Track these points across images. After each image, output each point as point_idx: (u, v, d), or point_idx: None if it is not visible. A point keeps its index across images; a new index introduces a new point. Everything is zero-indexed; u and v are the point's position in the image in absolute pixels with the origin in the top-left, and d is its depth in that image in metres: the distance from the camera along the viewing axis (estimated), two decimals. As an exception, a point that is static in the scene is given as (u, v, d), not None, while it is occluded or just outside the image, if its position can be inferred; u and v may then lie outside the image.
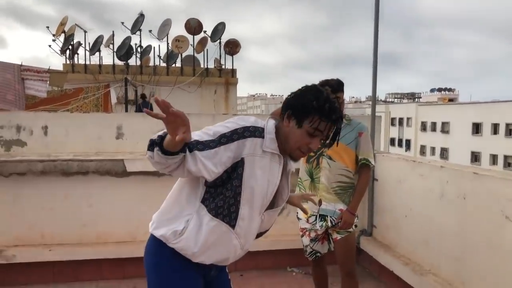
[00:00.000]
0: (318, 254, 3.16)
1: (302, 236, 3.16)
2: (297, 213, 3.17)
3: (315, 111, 1.74)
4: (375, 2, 4.15)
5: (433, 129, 45.52)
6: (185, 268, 1.83)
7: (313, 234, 3.08)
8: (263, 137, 1.76)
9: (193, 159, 1.63)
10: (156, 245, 1.87)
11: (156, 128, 4.95)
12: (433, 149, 45.46)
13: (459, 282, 3.14)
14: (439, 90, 70.41)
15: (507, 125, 36.43)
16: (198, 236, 1.76)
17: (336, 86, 2.91)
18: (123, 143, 4.66)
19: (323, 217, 2.99)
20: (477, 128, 39.54)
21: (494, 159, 37.64)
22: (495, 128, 37.64)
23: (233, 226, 1.79)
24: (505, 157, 36.62)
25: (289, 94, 1.87)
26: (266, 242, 4.38)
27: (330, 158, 2.96)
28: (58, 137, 4.51)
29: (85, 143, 4.55)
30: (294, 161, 1.89)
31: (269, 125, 1.81)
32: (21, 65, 8.37)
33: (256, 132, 1.75)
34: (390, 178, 4.15)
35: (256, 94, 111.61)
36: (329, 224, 2.98)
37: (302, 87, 1.85)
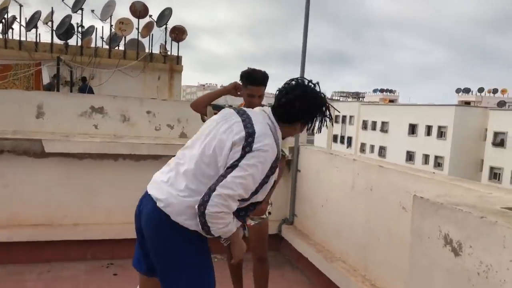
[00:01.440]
0: None
1: None
2: None
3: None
4: (306, 2, 4.25)
5: (373, 128, 47.42)
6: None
7: None
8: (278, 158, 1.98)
9: None
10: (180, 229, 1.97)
11: (81, 109, 4.80)
12: (372, 147, 47.41)
13: (363, 268, 3.34)
14: (381, 91, 73.37)
15: (439, 127, 38.76)
16: None
17: (261, 79, 2.95)
18: (43, 122, 4.48)
19: None
20: (413, 129, 41.71)
21: (426, 158, 39.92)
22: (428, 130, 39.90)
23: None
24: (436, 157, 38.99)
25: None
26: (190, 229, 4.42)
27: None
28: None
29: (2, 121, 4.34)
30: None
31: (278, 132, 2.03)
32: None
33: (276, 160, 1.95)
34: (310, 169, 4.31)
35: (206, 84, 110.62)
36: None
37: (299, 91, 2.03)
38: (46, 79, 9.88)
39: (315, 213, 4.18)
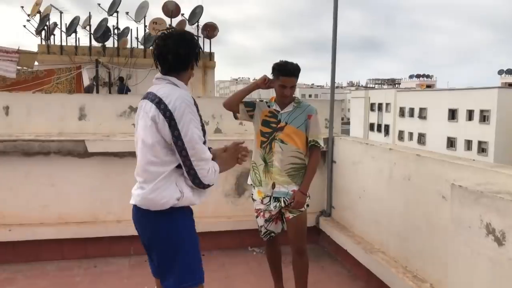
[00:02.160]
0: (272, 234, 3.25)
1: (257, 217, 3.24)
2: (252, 194, 3.27)
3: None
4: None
5: (411, 114, 46.18)
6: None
7: (267, 215, 3.17)
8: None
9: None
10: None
11: (120, 109, 4.95)
12: (411, 134, 46.22)
13: (404, 259, 3.30)
14: (418, 76, 71.31)
15: (481, 111, 37.24)
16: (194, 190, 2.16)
17: (293, 70, 3.00)
18: (85, 124, 4.66)
19: (276, 199, 3.09)
20: (453, 114, 40.29)
21: (469, 144, 38.51)
22: (470, 114, 38.42)
23: None
24: (479, 142, 37.51)
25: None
26: (228, 223, 4.50)
27: (282, 141, 3.04)
28: (20, 117, 4.49)
29: (48, 124, 4.55)
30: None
31: (179, 83, 2.16)
32: (-12, 45, 8.20)
33: (192, 97, 2.14)
34: (346, 160, 4.27)
35: (239, 78, 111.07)
36: (283, 204, 3.07)
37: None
38: (86, 81, 10.23)
39: (352, 205, 4.15)
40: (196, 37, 2.23)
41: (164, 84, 2.15)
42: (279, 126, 3.07)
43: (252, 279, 3.87)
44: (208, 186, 2.12)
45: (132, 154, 2.20)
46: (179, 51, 2.11)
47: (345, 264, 4.15)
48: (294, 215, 3.09)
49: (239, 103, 3.16)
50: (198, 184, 2.07)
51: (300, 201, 3.05)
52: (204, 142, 2.09)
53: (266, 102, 3.19)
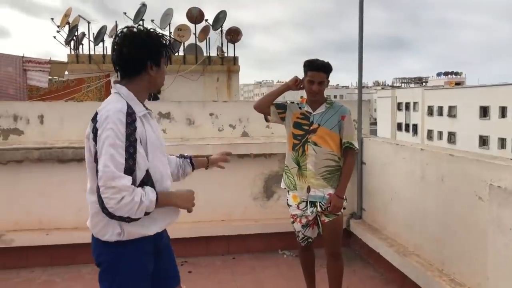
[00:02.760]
0: (310, 239, 3.20)
1: (293, 222, 3.18)
2: (287, 199, 3.20)
3: (163, 46, 1.95)
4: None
5: (440, 113, 45.10)
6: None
7: (304, 220, 3.10)
8: (135, 112, 1.83)
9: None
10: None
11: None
12: (440, 133, 45.14)
13: (440, 262, 3.22)
14: (446, 74, 69.71)
15: (515, 107, 36.00)
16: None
17: (320, 65, 2.95)
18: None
19: (312, 203, 3.03)
20: (484, 112, 39.12)
21: (502, 142, 37.26)
22: (503, 111, 37.19)
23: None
24: (514, 140, 36.25)
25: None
26: (257, 226, 4.51)
27: (315, 144, 2.97)
28: (53, 126, 4.63)
29: (80, 131, 4.64)
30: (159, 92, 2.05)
31: (126, 94, 1.88)
32: (23, 57, 8.50)
33: (132, 111, 1.82)
34: (376, 162, 4.22)
35: (263, 81, 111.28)
36: (319, 209, 3.02)
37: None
38: (114, 89, 10.45)
39: (384, 207, 4.09)
40: (157, 35, 1.93)
41: (112, 93, 1.93)
42: (311, 128, 3.01)
43: (283, 283, 3.86)
44: (127, 218, 1.75)
45: None
46: (123, 50, 1.86)
47: (378, 267, 4.09)
48: (330, 218, 3.04)
49: (270, 105, 3.12)
50: (107, 215, 1.74)
51: (337, 205, 2.99)
52: (129, 170, 1.75)
53: (297, 104, 3.14)
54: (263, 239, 4.52)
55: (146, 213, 1.79)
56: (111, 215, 1.74)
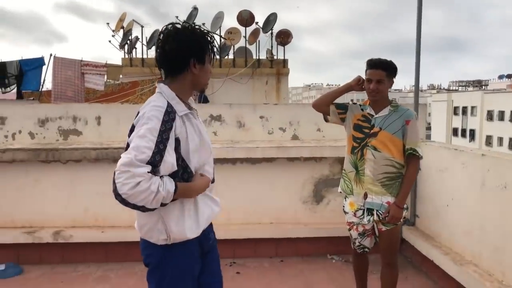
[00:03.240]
0: (367, 249, 3.09)
1: (350, 229, 3.06)
2: (343, 206, 3.07)
3: (206, 43, 1.89)
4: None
5: (501, 118, 42.79)
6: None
7: (360, 228, 2.98)
8: (175, 111, 1.81)
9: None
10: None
11: (201, 118, 5.15)
12: (500, 139, 42.79)
13: (500, 273, 3.04)
14: (509, 76, 65.94)
15: None
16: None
17: (378, 62, 2.82)
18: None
19: (370, 211, 2.90)
20: (550, 117, 36.72)
21: None
22: None
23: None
24: None
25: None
26: (306, 229, 4.47)
27: (375, 148, 2.82)
28: (110, 127, 4.82)
29: (135, 133, 4.82)
30: (203, 91, 2.08)
31: (168, 93, 1.85)
32: (81, 61, 8.96)
33: (171, 109, 1.80)
34: (432, 167, 4.05)
35: (312, 84, 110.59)
36: (376, 218, 2.89)
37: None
38: (167, 91, 10.75)
39: (439, 214, 3.92)
40: (202, 32, 1.87)
41: (156, 92, 1.89)
42: (372, 131, 2.85)
43: (332, 287, 3.79)
44: (142, 207, 1.70)
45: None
46: (165, 47, 1.81)
47: (431, 275, 3.92)
48: (388, 228, 2.90)
49: (329, 104, 2.98)
50: (121, 202, 1.69)
51: (396, 216, 2.82)
52: (153, 164, 1.68)
53: (360, 105, 2.97)
54: (312, 243, 4.47)
55: (163, 204, 1.73)
56: (125, 202, 1.68)
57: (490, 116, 44.60)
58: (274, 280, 3.95)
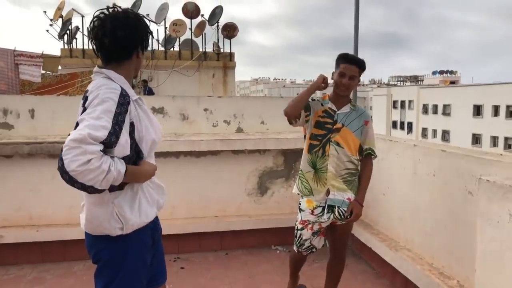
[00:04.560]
0: (314, 249, 3.02)
1: (303, 229, 2.94)
2: (300, 204, 2.98)
3: (149, 33, 1.91)
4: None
5: (435, 111, 45.38)
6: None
7: (316, 227, 2.91)
8: (129, 95, 1.78)
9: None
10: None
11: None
12: (434, 131, 45.41)
13: (430, 257, 3.24)
14: (441, 72, 69.98)
15: (508, 106, 36.29)
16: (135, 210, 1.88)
17: (355, 58, 2.83)
18: (108, 125, 4.73)
19: (330, 208, 2.85)
20: (478, 110, 39.39)
21: (494, 141, 37.58)
22: (495, 110, 37.49)
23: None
24: (506, 138, 36.57)
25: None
26: (251, 221, 4.50)
27: (338, 144, 2.81)
28: (45, 120, 4.59)
29: (71, 126, 4.61)
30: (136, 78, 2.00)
31: (119, 78, 1.80)
32: (14, 50, 8.42)
33: (126, 93, 1.76)
34: (369, 158, 4.21)
35: (259, 78, 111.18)
36: (337, 215, 2.86)
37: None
38: (108, 84, 10.39)
39: (376, 202, 4.10)
40: (143, 18, 1.87)
41: (99, 78, 1.80)
42: (335, 127, 2.82)
43: (276, 278, 3.86)
44: (90, 188, 1.58)
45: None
46: (117, 33, 1.75)
47: (370, 262, 4.10)
48: (343, 222, 2.90)
49: (302, 109, 2.83)
50: (68, 181, 1.55)
51: (359, 213, 2.85)
52: (109, 144, 1.62)
53: (319, 101, 2.91)
54: (257, 234, 4.52)
55: (112, 186, 1.67)
56: (72, 181, 1.54)
57: (425, 109, 47.13)
58: (218, 274, 3.96)
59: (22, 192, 4.12)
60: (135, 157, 1.83)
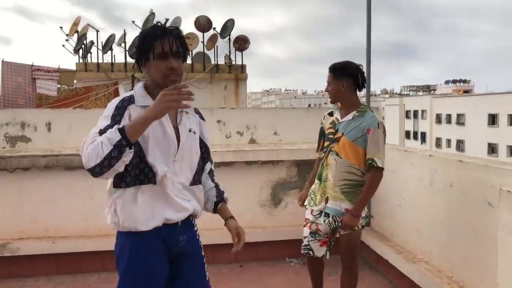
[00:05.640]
0: (310, 252, 3.01)
1: (304, 226, 3.05)
2: (306, 204, 3.10)
3: (147, 40, 1.86)
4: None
5: (449, 121, 44.87)
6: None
7: (313, 227, 2.95)
8: (133, 101, 1.87)
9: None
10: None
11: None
12: (448, 141, 44.85)
13: (449, 269, 3.17)
14: (454, 81, 69.45)
15: (524, 115, 35.75)
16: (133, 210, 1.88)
17: (331, 66, 2.90)
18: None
19: (327, 214, 2.89)
20: (493, 119, 38.83)
21: (511, 150, 36.95)
22: (511, 119, 36.92)
23: (154, 182, 1.88)
24: (523, 148, 35.96)
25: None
26: (265, 233, 4.47)
27: (337, 154, 2.80)
28: (61, 133, 4.65)
29: (87, 139, 4.68)
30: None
31: (137, 87, 1.94)
32: (32, 65, 8.60)
33: (130, 99, 1.88)
34: (385, 168, 4.16)
35: (270, 89, 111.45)
36: (332, 223, 2.87)
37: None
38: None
39: (392, 213, 4.05)
40: (148, 29, 1.91)
41: None
42: (336, 136, 2.83)
43: (291, 291, 3.82)
44: (104, 163, 1.65)
45: None
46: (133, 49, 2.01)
47: (386, 274, 4.03)
48: (345, 232, 2.88)
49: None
50: (92, 173, 1.69)
51: (349, 224, 2.79)
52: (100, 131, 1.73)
53: (331, 113, 2.99)
54: (271, 246, 4.48)
55: (116, 147, 1.66)
56: (92, 171, 1.68)
57: (438, 119, 46.64)
58: (233, 287, 3.93)
59: (38, 204, 4.16)
60: (137, 160, 1.84)
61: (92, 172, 1.68)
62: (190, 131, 1.99)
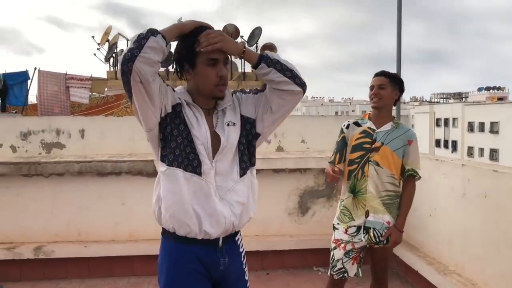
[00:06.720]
0: (345, 275, 2.81)
1: (335, 248, 2.83)
2: (334, 223, 2.91)
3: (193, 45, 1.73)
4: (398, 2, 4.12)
5: (481, 129, 43.60)
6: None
7: (349, 247, 2.78)
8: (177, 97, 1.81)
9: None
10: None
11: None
12: (481, 150, 43.55)
13: (483, 282, 3.08)
14: (487, 88, 67.55)
15: (562, 123, 34.40)
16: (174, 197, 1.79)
17: (380, 72, 2.86)
18: (153, 145, 4.87)
19: (366, 230, 2.76)
20: (529, 128, 37.55)
21: (548, 160, 35.61)
22: (548, 127, 35.64)
23: (199, 173, 1.75)
24: (561, 157, 34.57)
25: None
26: (292, 241, 4.46)
27: (377, 164, 2.72)
28: (94, 140, 4.78)
29: (119, 145, 4.80)
30: (221, 98, 1.83)
31: (178, 89, 1.85)
32: (66, 74, 8.89)
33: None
34: (415, 177, 4.10)
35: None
36: (372, 238, 2.75)
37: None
38: (152, 105, 10.73)
39: (422, 224, 3.96)
40: (192, 33, 1.76)
41: None
42: (374, 146, 2.74)
43: (318, 300, 3.79)
44: (134, 51, 1.55)
45: None
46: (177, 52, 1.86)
47: (416, 285, 3.95)
48: (380, 246, 2.78)
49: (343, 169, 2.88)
50: (125, 73, 1.60)
51: (398, 240, 2.74)
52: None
53: (358, 121, 2.88)
54: (298, 255, 4.47)
55: (148, 34, 1.59)
56: (124, 58, 1.57)
57: (471, 127, 45.40)
58: (260, 293, 3.93)
59: (72, 208, 4.29)
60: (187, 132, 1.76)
61: (130, 73, 1.56)
62: (228, 125, 1.82)
